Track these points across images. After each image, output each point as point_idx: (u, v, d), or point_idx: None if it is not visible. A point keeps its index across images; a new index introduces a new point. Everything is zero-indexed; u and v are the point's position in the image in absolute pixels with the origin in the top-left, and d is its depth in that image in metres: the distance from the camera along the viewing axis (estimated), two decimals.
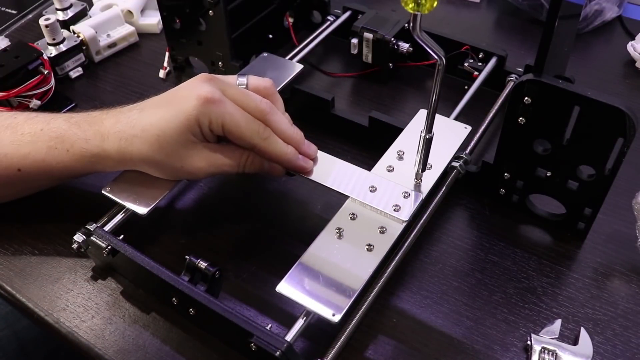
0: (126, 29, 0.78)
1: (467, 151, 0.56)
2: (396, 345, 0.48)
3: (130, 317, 0.50)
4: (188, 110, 0.48)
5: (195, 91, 0.48)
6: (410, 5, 0.36)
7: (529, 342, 0.47)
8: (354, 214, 0.50)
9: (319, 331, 0.47)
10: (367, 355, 0.47)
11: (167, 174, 0.52)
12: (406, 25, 0.70)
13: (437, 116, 0.58)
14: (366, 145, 0.63)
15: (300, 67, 0.65)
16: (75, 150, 0.51)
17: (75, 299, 0.52)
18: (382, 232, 0.48)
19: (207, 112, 0.48)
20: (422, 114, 0.59)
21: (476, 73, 0.66)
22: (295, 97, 0.65)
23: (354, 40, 0.70)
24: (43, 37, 0.72)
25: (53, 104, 0.69)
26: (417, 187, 0.52)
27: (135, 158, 0.50)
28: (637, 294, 0.50)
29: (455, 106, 0.62)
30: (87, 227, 0.51)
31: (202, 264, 0.48)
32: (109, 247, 0.50)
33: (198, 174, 0.51)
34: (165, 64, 0.74)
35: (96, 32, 0.76)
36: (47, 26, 0.71)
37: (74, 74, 0.74)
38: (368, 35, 0.69)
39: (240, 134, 0.49)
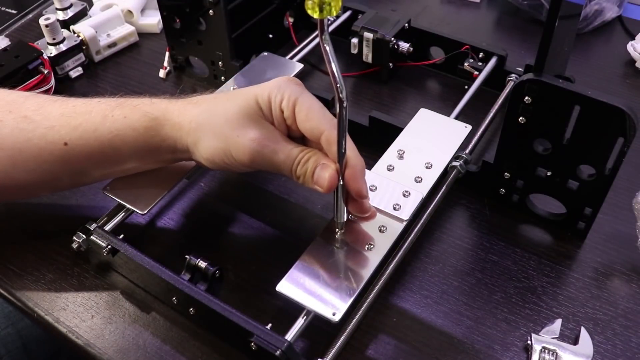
0: (126, 29, 0.78)
1: (467, 151, 0.56)
2: (396, 345, 0.48)
3: (130, 316, 0.50)
4: (264, 84, 0.46)
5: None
6: (317, 13, 0.35)
7: (529, 342, 0.47)
8: None
9: (319, 330, 0.47)
10: (367, 355, 0.47)
11: (215, 149, 0.46)
12: (406, 25, 0.70)
13: (438, 115, 0.59)
14: (366, 145, 0.62)
15: (300, 66, 0.65)
16: (135, 115, 0.48)
17: (75, 299, 0.52)
18: (382, 232, 0.48)
19: (283, 87, 0.45)
20: (422, 113, 0.59)
21: (476, 73, 0.66)
22: None
23: (354, 40, 0.70)
24: (43, 36, 0.72)
25: None
26: (418, 186, 0.52)
27: (193, 120, 0.47)
28: (637, 293, 0.50)
29: (455, 106, 0.62)
30: (87, 226, 0.51)
31: (202, 264, 0.48)
32: (109, 247, 0.50)
33: (244, 156, 0.45)
34: (165, 64, 0.74)
35: (96, 32, 0.76)
36: (47, 26, 0.71)
37: (74, 74, 0.74)
38: (368, 35, 0.69)
39: (311, 115, 0.44)
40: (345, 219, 0.47)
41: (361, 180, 0.44)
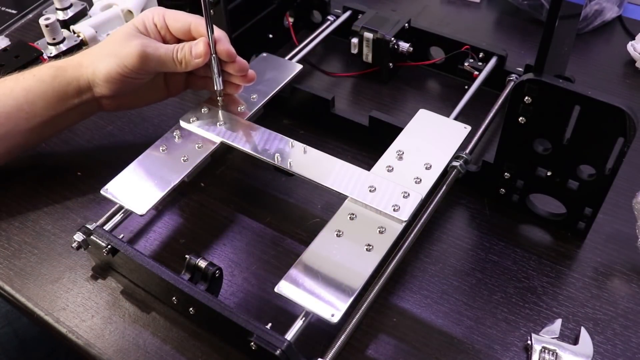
0: None
1: (467, 151, 0.56)
2: (396, 345, 0.48)
3: (130, 316, 0.50)
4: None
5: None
6: None
7: (529, 342, 0.47)
8: (353, 214, 0.50)
9: (319, 330, 0.47)
10: (367, 355, 0.47)
11: (109, 64, 0.55)
12: (406, 25, 0.70)
13: (437, 116, 0.59)
14: (366, 145, 0.63)
15: (299, 67, 0.65)
16: (42, 70, 0.57)
17: (75, 299, 0.52)
18: (381, 232, 0.48)
19: (153, 10, 0.57)
20: (421, 114, 0.59)
21: (476, 73, 0.66)
22: (295, 97, 0.65)
23: (354, 40, 0.70)
24: (43, 36, 0.72)
25: None
26: (417, 187, 0.52)
27: (90, 53, 0.57)
28: (637, 293, 0.50)
29: (455, 106, 0.62)
30: (87, 226, 0.51)
31: (202, 263, 0.48)
32: (109, 246, 0.50)
33: (133, 58, 0.54)
34: None
35: (96, 32, 0.76)
36: (47, 26, 0.71)
37: None
38: (368, 35, 0.69)
39: (179, 16, 0.56)
40: (221, 88, 0.58)
41: (227, 43, 0.56)
